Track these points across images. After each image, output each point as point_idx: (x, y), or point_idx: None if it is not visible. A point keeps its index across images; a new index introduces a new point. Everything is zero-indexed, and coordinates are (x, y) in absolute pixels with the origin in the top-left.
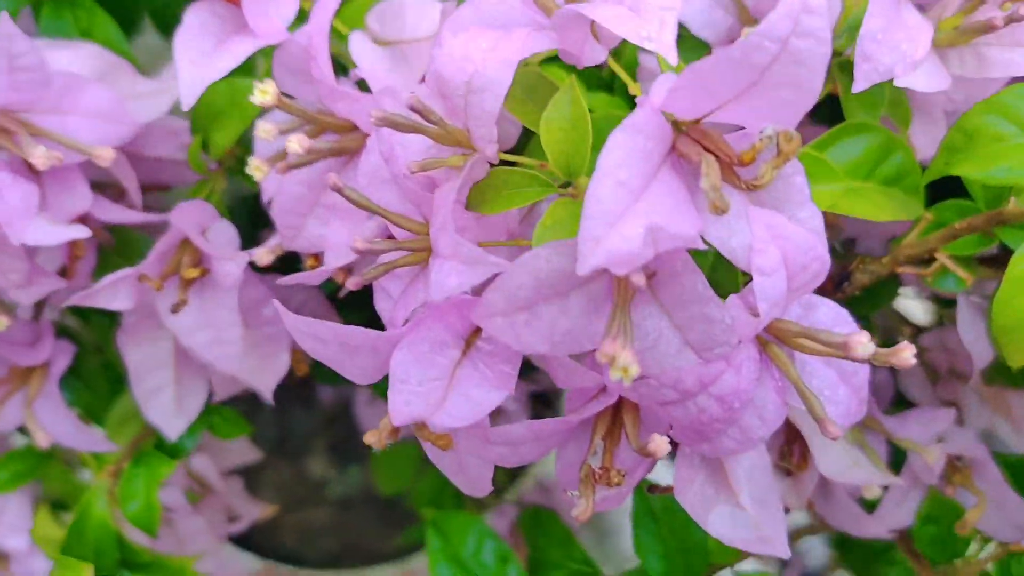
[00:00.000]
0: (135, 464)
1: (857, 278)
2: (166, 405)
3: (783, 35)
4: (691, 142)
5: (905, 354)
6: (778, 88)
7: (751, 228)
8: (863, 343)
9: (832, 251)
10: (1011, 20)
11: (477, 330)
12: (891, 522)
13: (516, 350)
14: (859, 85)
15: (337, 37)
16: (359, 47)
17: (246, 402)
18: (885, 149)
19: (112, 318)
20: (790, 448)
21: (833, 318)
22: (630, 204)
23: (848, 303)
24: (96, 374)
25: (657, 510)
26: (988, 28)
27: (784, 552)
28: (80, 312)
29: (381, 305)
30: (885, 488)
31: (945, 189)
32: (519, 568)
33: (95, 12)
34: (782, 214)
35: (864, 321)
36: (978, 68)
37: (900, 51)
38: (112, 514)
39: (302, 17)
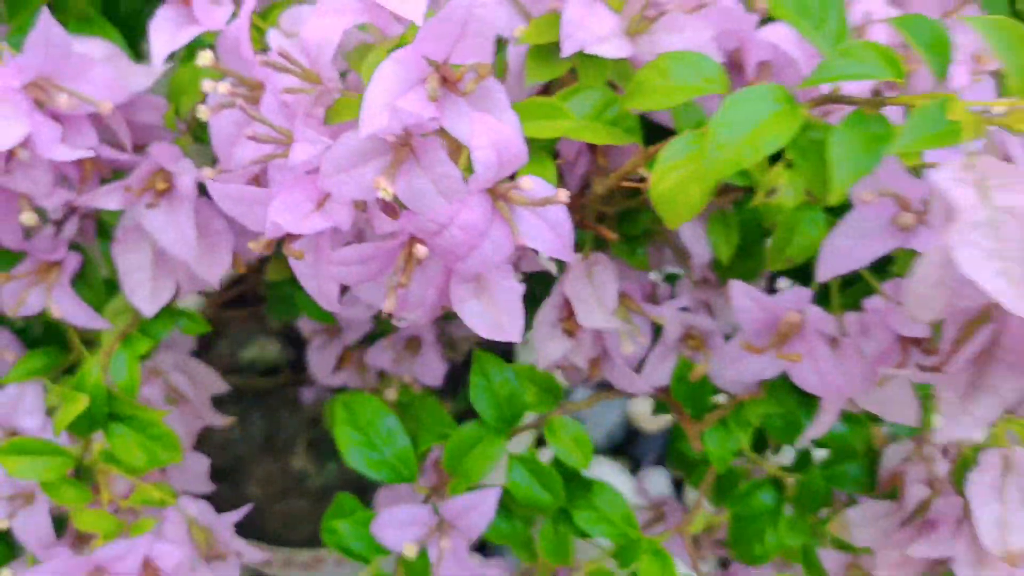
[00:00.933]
0: (123, 345)
1: (594, 188)
2: (145, 293)
3: (468, 4)
4: (435, 73)
5: (560, 195)
6: (475, 37)
7: (470, 121)
8: (553, 196)
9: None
10: (661, 14)
11: (327, 196)
12: (652, 380)
13: (347, 199)
14: (564, 52)
15: (259, 31)
16: (274, 38)
17: (239, 404)
18: (607, 102)
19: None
20: (569, 313)
21: (541, 186)
22: (389, 101)
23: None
24: (97, 281)
25: (488, 370)
26: (650, 19)
27: (516, 337)
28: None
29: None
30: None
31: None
32: (404, 433)
33: (106, 26)
34: (491, 115)
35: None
36: (652, 47)
37: (591, 31)
38: (104, 378)
39: (236, 15)
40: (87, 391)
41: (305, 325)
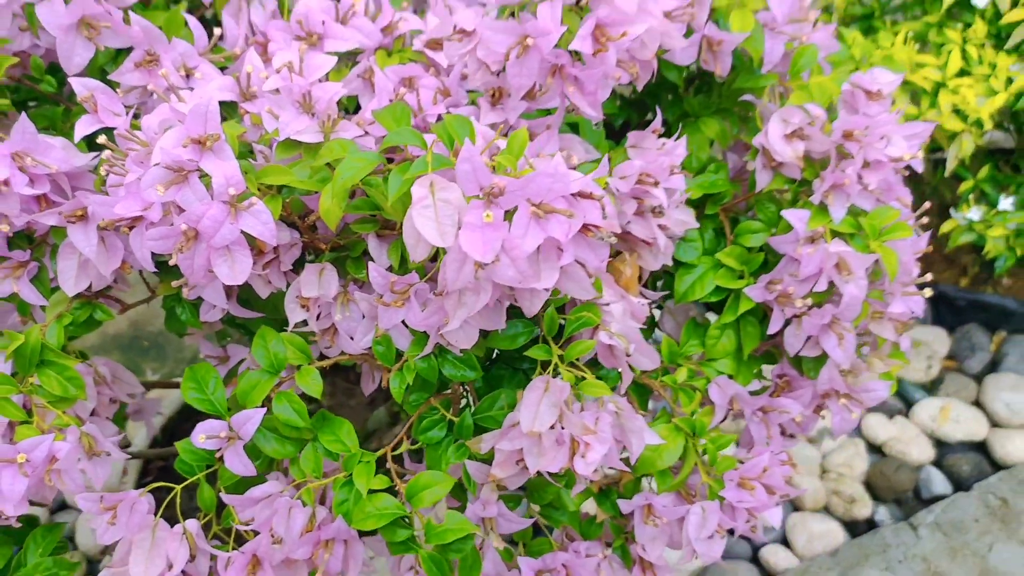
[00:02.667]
0: (56, 320)
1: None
2: (70, 282)
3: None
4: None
5: (255, 202)
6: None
7: (214, 167)
8: (254, 204)
9: None
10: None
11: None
12: (362, 344)
13: (155, 201)
14: (281, 136)
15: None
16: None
17: None
18: (318, 168)
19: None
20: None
21: (259, 204)
22: (166, 150)
23: None
24: (47, 281)
25: (267, 338)
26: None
27: (239, 280)
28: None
29: None
30: None
31: None
32: (222, 387)
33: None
34: (225, 163)
35: None
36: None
37: (295, 127)
38: (41, 337)
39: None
40: (30, 344)
41: None
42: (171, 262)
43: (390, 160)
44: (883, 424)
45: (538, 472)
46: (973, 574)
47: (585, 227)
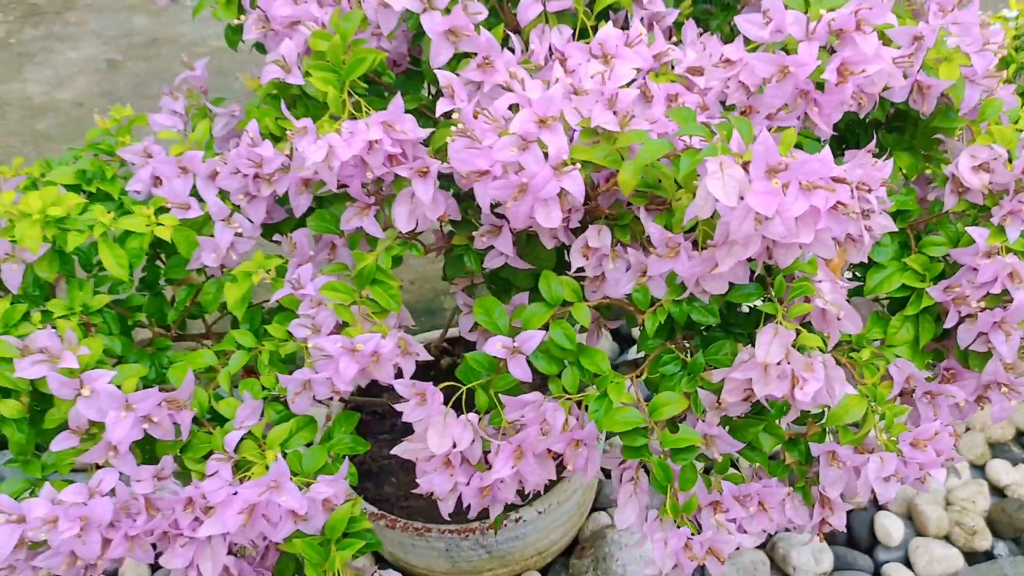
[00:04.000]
0: (387, 251)
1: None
2: (403, 221)
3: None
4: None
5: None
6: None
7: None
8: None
9: None
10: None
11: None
12: (624, 289)
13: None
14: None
15: None
16: None
17: None
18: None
19: (390, 204)
20: (588, 245)
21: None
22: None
23: None
24: (381, 220)
25: (550, 281)
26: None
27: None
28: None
29: None
30: None
31: None
32: (505, 316)
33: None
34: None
35: None
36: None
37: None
38: (375, 263)
39: None
40: (368, 265)
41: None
42: (499, 209)
43: None
44: (1007, 469)
45: (749, 410)
46: None
47: (837, 203)
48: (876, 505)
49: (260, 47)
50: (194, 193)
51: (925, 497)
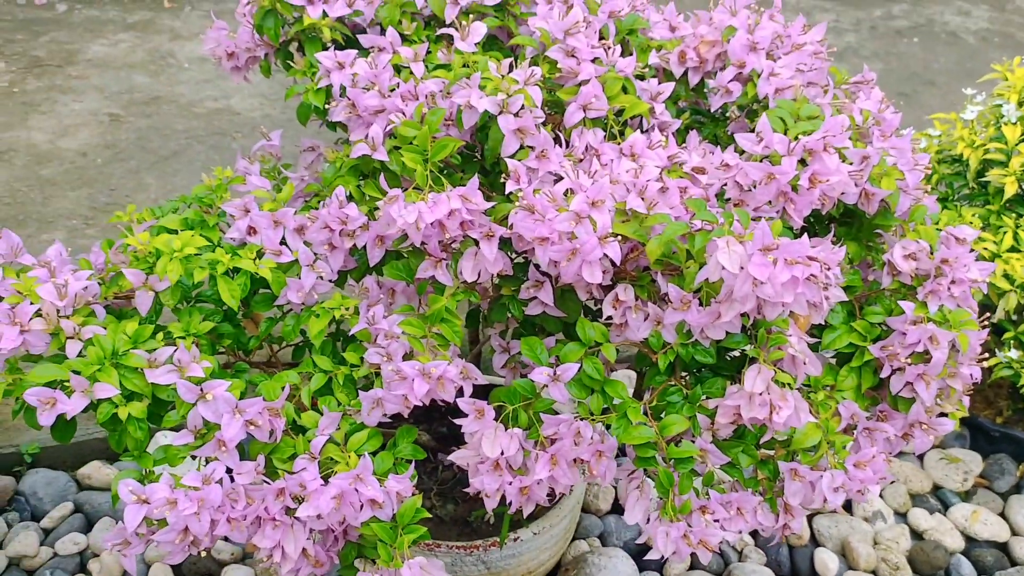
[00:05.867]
0: (452, 296)
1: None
2: (467, 273)
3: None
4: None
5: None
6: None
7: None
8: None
9: None
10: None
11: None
12: (643, 333)
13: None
14: None
15: None
16: None
17: None
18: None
19: (457, 259)
20: (617, 298)
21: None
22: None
23: None
24: (449, 271)
25: (586, 328)
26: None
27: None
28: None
29: None
30: None
31: None
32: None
33: None
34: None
35: None
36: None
37: None
38: (444, 305)
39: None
40: (439, 307)
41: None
42: (551, 269)
43: None
44: (925, 517)
45: (732, 434)
46: None
47: (810, 275)
48: (815, 543)
49: (331, 125)
50: (281, 242)
51: (857, 536)
